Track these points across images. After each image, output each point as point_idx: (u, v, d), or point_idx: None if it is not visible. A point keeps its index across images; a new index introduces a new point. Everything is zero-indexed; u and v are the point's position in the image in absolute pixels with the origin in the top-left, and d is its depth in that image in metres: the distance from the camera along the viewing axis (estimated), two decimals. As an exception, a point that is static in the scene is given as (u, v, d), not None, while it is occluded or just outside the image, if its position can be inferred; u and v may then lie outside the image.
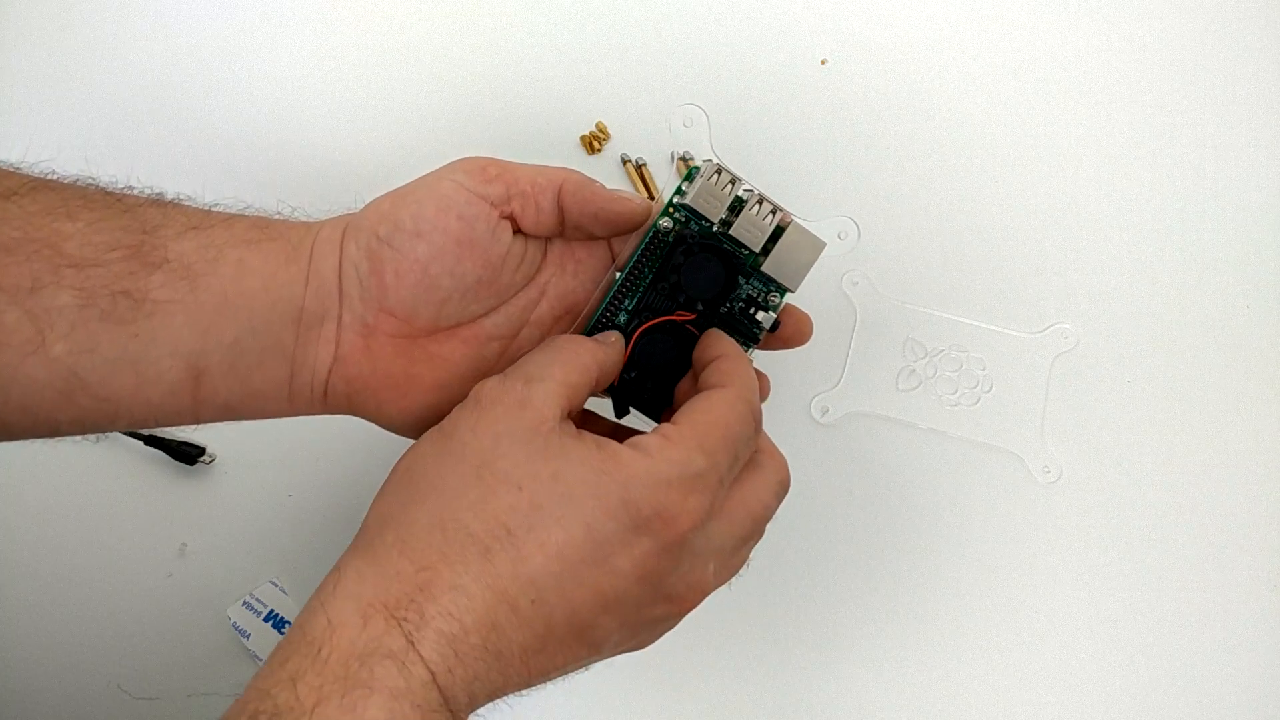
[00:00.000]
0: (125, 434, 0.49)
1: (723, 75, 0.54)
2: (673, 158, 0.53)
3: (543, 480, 0.30)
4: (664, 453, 0.31)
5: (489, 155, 0.54)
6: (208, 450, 0.50)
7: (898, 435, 0.50)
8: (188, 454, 0.49)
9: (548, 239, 0.37)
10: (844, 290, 0.51)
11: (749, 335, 0.38)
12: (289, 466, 0.50)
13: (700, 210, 0.37)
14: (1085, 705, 0.48)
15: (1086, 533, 0.49)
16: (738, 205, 0.37)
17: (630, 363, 0.37)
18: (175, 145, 0.53)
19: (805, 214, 0.39)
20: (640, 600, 0.30)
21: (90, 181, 0.33)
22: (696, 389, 0.35)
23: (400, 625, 0.28)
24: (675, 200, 0.37)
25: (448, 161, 0.36)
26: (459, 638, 0.28)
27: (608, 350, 0.35)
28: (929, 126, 0.53)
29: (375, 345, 0.34)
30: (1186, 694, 0.48)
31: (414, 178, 0.35)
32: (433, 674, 0.27)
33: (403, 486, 0.31)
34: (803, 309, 0.39)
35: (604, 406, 0.39)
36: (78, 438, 0.34)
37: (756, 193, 0.37)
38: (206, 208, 0.34)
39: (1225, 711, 0.48)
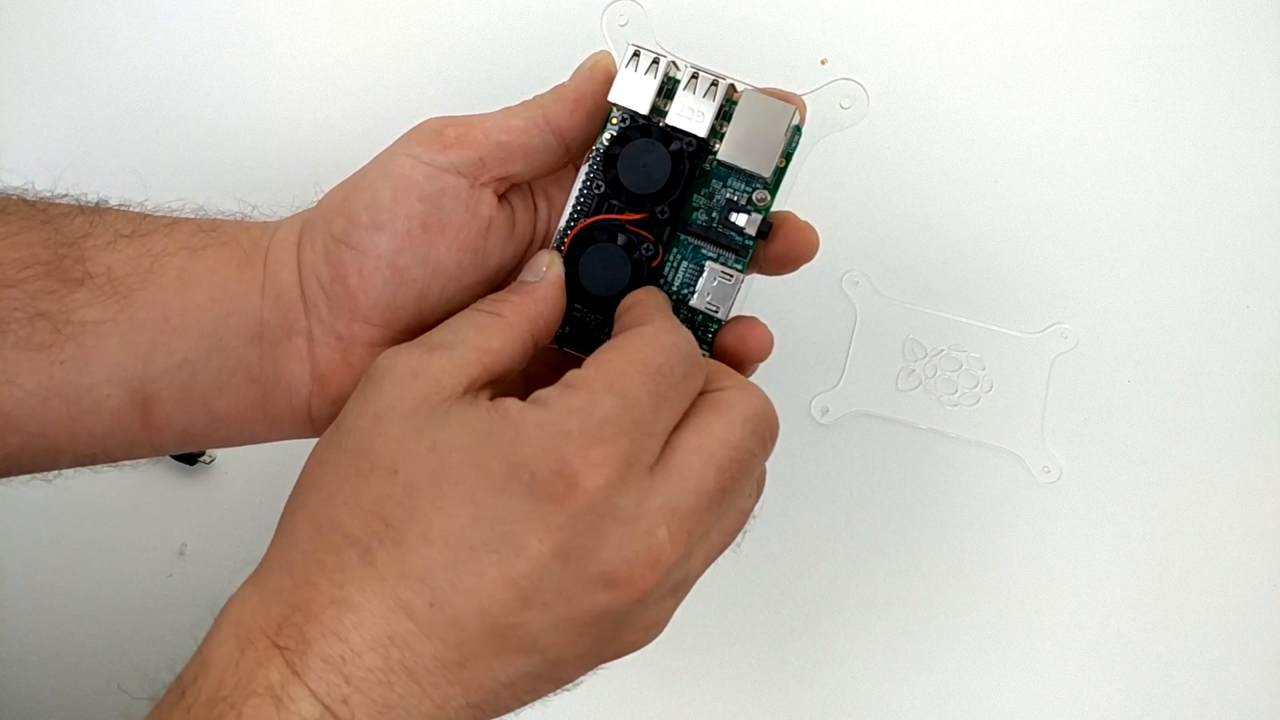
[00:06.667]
0: (125, 434, 0.49)
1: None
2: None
3: (418, 457, 0.25)
4: (561, 401, 0.25)
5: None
6: (208, 450, 0.50)
7: (898, 435, 0.50)
8: (188, 454, 0.49)
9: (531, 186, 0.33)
10: (844, 290, 0.51)
11: (736, 248, 0.32)
12: (289, 466, 0.50)
13: (625, 104, 0.31)
14: (1085, 705, 0.48)
15: (1086, 533, 0.49)
16: (671, 87, 0.32)
17: (570, 286, 0.31)
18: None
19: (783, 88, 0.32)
20: (566, 586, 0.24)
21: (13, 191, 0.30)
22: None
23: (281, 653, 0.24)
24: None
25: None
26: (349, 660, 0.23)
27: (543, 295, 0.30)
28: (929, 126, 0.53)
29: (356, 359, 0.30)
30: (1187, 693, 0.48)
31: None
32: (325, 706, 0.23)
33: (294, 491, 0.28)
34: (806, 220, 0.33)
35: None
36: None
37: (690, 68, 0.31)
38: (148, 212, 0.31)
39: (1225, 711, 0.48)
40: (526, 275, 0.30)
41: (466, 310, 0.29)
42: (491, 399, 0.27)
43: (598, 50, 0.32)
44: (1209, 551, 0.49)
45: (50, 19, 0.55)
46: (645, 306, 0.30)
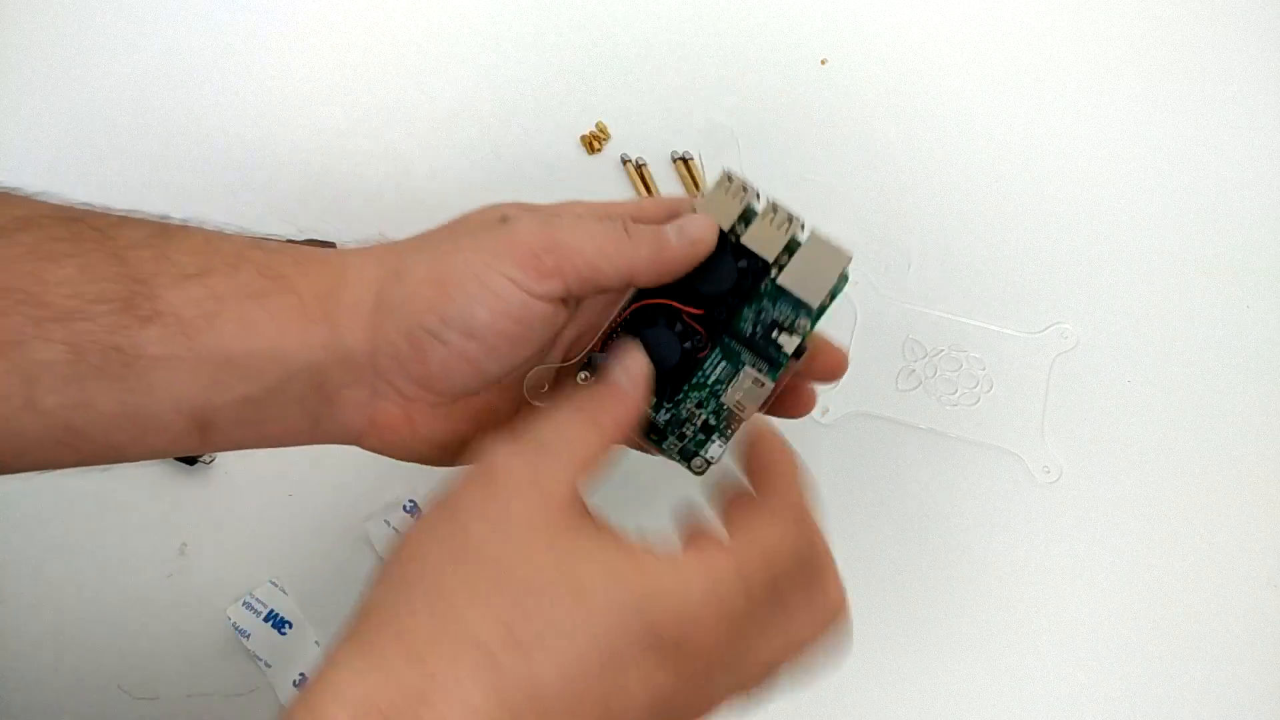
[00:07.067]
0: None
1: (723, 75, 0.54)
2: (672, 158, 0.53)
3: (554, 583, 0.27)
4: (694, 568, 0.28)
5: (488, 153, 0.54)
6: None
7: (898, 435, 0.50)
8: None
9: None
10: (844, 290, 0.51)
11: (771, 360, 0.36)
12: (289, 466, 0.50)
13: (710, 218, 0.35)
14: (1084, 704, 0.48)
15: (1086, 533, 0.49)
16: (749, 214, 0.36)
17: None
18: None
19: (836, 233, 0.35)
20: None
21: (83, 209, 0.31)
22: (742, 478, 0.33)
23: None
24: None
25: (477, 206, 0.33)
26: None
27: (635, 405, 0.32)
28: (929, 126, 0.53)
29: (418, 417, 0.32)
30: (1186, 692, 0.48)
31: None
32: None
33: (405, 574, 0.28)
34: (840, 347, 0.37)
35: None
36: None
37: (770, 201, 0.36)
38: (210, 239, 0.32)
39: (1225, 710, 0.48)
40: (619, 377, 0.32)
41: (570, 412, 0.30)
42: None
43: (699, 219, 0.34)
44: (1208, 551, 0.49)
45: (52, 20, 0.55)
46: (782, 463, 0.31)
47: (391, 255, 0.32)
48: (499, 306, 0.30)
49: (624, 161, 0.53)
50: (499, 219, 0.32)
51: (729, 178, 0.35)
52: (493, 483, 0.28)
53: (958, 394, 0.51)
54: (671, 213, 0.35)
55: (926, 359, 0.51)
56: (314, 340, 0.31)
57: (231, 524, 0.50)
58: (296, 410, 0.31)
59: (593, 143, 0.53)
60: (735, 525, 0.30)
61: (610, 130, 0.53)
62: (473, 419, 0.33)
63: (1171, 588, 0.49)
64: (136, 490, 0.50)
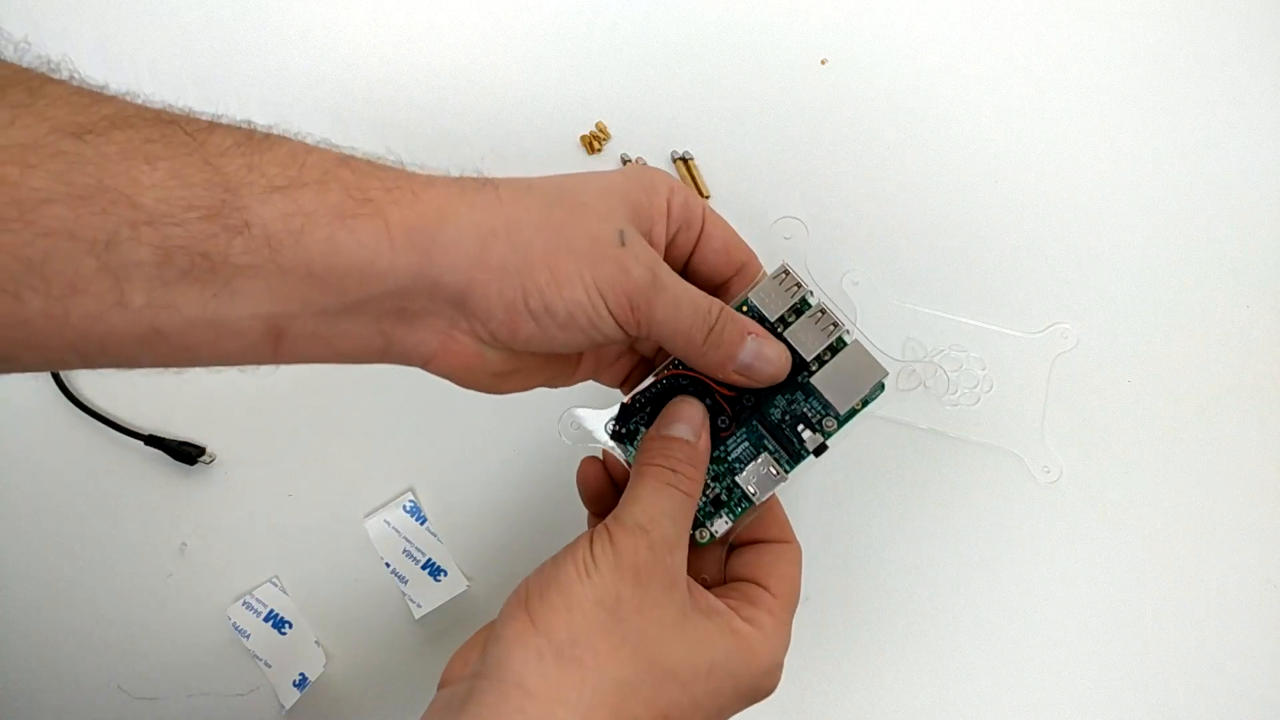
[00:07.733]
0: (125, 434, 0.49)
1: (723, 74, 0.54)
2: (673, 157, 0.53)
3: (700, 676, 0.33)
4: (778, 634, 0.36)
5: (489, 153, 0.54)
6: (208, 450, 0.50)
7: (898, 435, 0.50)
8: (188, 454, 0.49)
9: None
10: (844, 290, 0.51)
11: (791, 451, 0.37)
12: (289, 466, 0.50)
13: (759, 306, 0.37)
14: (1084, 704, 0.48)
15: (1086, 533, 0.49)
16: (800, 309, 0.37)
17: (646, 405, 0.38)
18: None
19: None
20: None
21: (173, 112, 0.31)
22: (763, 531, 0.38)
23: None
24: (746, 297, 0.38)
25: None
26: None
27: (704, 463, 0.37)
28: (929, 126, 0.53)
29: (490, 359, 0.35)
30: (1185, 692, 0.48)
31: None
32: None
33: (574, 658, 0.32)
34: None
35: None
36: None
37: (821, 304, 0.37)
38: (296, 151, 0.32)
39: (1224, 709, 0.48)
40: (688, 435, 0.36)
41: (658, 486, 0.35)
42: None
43: (775, 357, 0.37)
44: (1208, 550, 0.49)
45: None
46: (789, 530, 0.38)
47: (497, 207, 0.33)
48: (594, 319, 0.34)
49: (624, 161, 0.53)
50: (617, 236, 0.34)
51: (785, 272, 0.37)
52: (642, 584, 0.33)
53: (958, 394, 0.51)
54: (744, 266, 0.38)
55: (926, 359, 0.51)
56: (403, 268, 0.32)
57: (231, 524, 0.50)
58: (373, 329, 0.33)
59: (593, 143, 0.53)
60: (786, 578, 0.37)
61: (610, 130, 0.53)
62: (532, 359, 0.36)
63: (1171, 587, 0.49)
64: (136, 490, 0.50)
